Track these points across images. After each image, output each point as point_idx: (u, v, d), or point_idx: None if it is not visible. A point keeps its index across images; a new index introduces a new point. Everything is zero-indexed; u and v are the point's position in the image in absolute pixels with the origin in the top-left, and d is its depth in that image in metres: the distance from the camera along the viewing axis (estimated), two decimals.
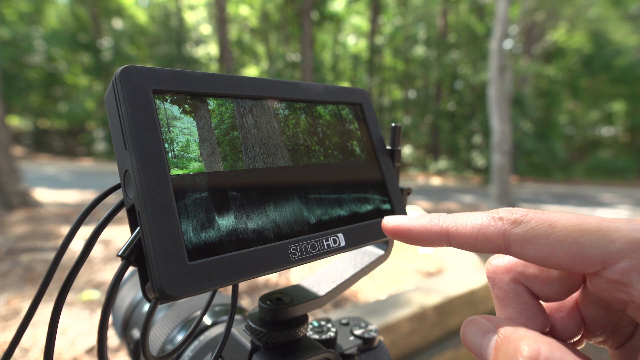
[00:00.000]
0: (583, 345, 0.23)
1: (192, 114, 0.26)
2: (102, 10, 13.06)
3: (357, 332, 0.39)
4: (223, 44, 11.97)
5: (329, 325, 0.38)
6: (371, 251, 0.39)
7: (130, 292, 0.54)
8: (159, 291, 0.21)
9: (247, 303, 1.80)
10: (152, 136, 0.23)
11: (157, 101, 0.24)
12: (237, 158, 0.27)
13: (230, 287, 0.28)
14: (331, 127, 0.33)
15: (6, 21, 10.44)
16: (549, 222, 0.18)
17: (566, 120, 13.65)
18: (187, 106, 0.25)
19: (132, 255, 0.22)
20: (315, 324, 0.38)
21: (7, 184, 3.53)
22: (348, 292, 1.98)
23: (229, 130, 0.27)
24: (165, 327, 0.46)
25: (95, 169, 9.93)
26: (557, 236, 0.18)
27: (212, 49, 15.34)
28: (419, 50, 14.09)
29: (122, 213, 0.24)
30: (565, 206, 6.99)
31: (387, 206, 0.33)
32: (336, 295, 0.35)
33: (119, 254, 0.22)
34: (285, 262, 0.26)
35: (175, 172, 0.23)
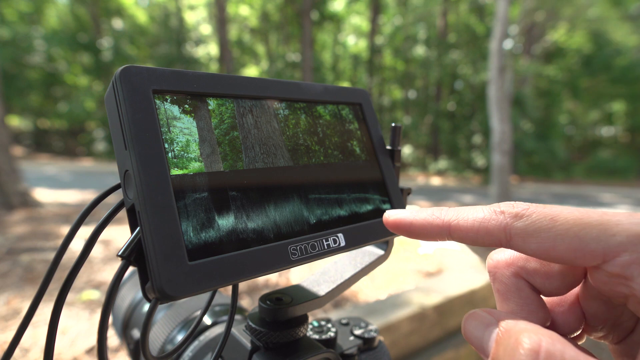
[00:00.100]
0: (584, 340, 0.23)
1: (192, 114, 0.26)
2: (102, 10, 13.05)
3: (357, 332, 0.39)
4: (223, 44, 11.98)
5: (329, 325, 0.38)
6: (371, 251, 0.39)
7: (130, 292, 0.54)
8: (159, 291, 0.21)
9: (247, 303, 1.80)
10: (152, 136, 0.23)
11: (157, 101, 0.24)
12: (237, 158, 0.27)
13: (230, 287, 0.28)
14: (331, 127, 0.33)
15: (6, 21, 10.44)
16: (551, 216, 0.18)
17: (566, 120, 13.65)
18: (187, 106, 0.25)
19: (132, 255, 0.22)
20: (315, 324, 0.38)
21: (7, 184, 3.53)
22: (348, 292, 1.98)
23: (229, 130, 0.27)
24: (165, 327, 0.46)
25: (95, 169, 9.93)
26: (558, 230, 0.18)
27: (212, 49, 15.34)
28: (419, 50, 14.08)
29: (122, 213, 0.24)
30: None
31: (387, 206, 0.33)
32: (336, 295, 0.35)
33: (119, 254, 0.22)
34: (285, 262, 0.26)
35: (175, 172, 0.23)
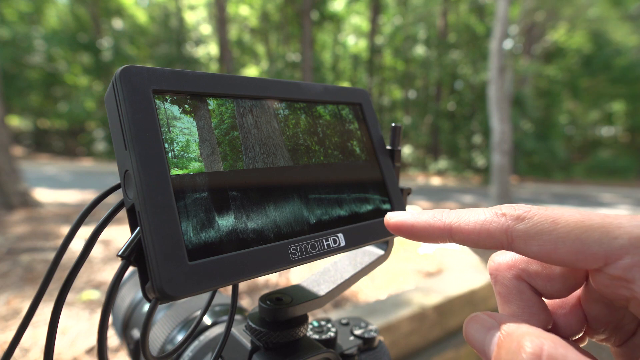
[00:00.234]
0: (585, 343, 0.23)
1: (192, 114, 0.25)
2: (102, 10, 13.05)
3: (357, 332, 0.39)
4: (223, 44, 11.98)
5: (329, 325, 0.38)
6: (371, 251, 0.39)
7: (130, 292, 0.54)
8: (159, 291, 0.21)
9: (247, 303, 1.80)
10: (152, 136, 0.23)
11: (157, 101, 0.24)
12: (237, 158, 0.27)
13: (230, 287, 0.28)
14: (331, 127, 0.33)
15: (6, 21, 10.43)
16: (552, 219, 0.18)
17: (566, 120, 13.65)
18: (187, 106, 0.25)
19: (132, 255, 0.22)
20: (315, 324, 0.38)
21: (7, 184, 3.53)
22: (348, 292, 1.98)
23: (229, 130, 0.27)
24: (165, 327, 0.46)
25: (95, 169, 9.93)
26: (560, 232, 0.18)
27: (212, 49, 15.34)
28: (419, 50, 14.09)
29: (122, 213, 0.24)
30: (565, 206, 6.98)
31: (387, 206, 0.33)
32: (336, 295, 0.35)
33: (119, 254, 0.22)
34: (285, 262, 0.26)
35: (175, 172, 0.23)
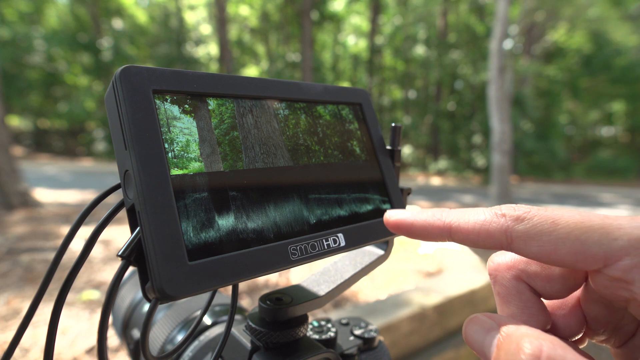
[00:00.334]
0: (585, 344, 0.23)
1: (192, 114, 0.25)
2: (102, 10, 13.05)
3: (357, 332, 0.39)
4: (223, 44, 11.98)
5: (329, 325, 0.38)
6: (371, 251, 0.39)
7: (130, 292, 0.54)
8: (159, 291, 0.21)
9: (247, 303, 1.80)
10: (152, 136, 0.23)
11: (157, 101, 0.24)
12: (237, 158, 0.27)
13: (230, 287, 0.28)
14: (331, 127, 0.33)
15: (6, 21, 10.43)
16: (552, 219, 0.18)
17: (566, 120, 13.65)
18: (187, 106, 0.25)
19: (132, 255, 0.22)
20: (315, 324, 0.38)
21: (7, 184, 3.53)
22: (348, 292, 1.98)
23: (229, 130, 0.27)
24: (165, 327, 0.46)
25: (95, 169, 9.93)
26: (559, 233, 0.18)
27: (212, 49, 15.34)
28: (419, 50, 14.09)
29: (122, 213, 0.24)
30: (565, 206, 6.98)
31: (387, 206, 0.33)
32: (336, 295, 0.35)
33: (119, 254, 0.22)
34: (285, 262, 0.26)
35: (175, 172, 0.23)
